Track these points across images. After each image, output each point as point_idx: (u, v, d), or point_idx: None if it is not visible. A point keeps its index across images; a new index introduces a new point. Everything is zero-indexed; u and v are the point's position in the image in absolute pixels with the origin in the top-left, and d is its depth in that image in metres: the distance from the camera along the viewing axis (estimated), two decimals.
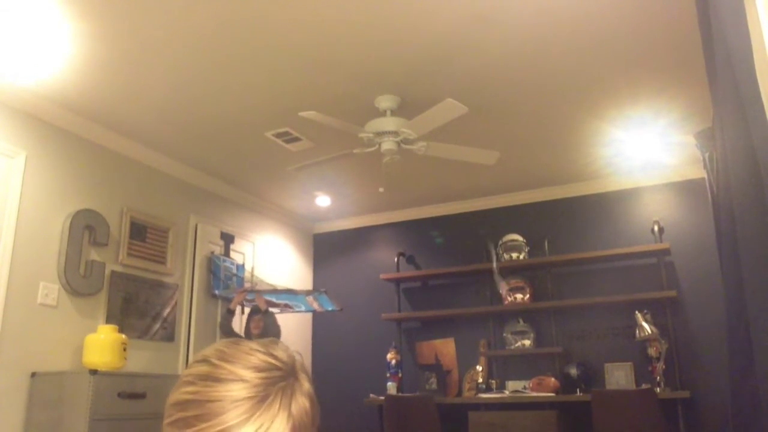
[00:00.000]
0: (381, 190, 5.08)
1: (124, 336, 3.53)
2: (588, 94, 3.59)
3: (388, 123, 3.50)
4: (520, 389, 4.69)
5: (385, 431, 4.52)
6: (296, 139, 4.12)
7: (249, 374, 0.82)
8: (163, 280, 4.29)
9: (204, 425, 0.79)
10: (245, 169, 4.70)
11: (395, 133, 3.49)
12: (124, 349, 3.49)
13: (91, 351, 3.42)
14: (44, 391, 3.31)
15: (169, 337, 4.26)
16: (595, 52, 3.16)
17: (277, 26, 2.90)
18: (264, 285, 4.76)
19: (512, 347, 4.90)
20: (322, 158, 3.89)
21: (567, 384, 4.57)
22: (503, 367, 4.96)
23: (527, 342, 4.87)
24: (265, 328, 4.20)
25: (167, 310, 4.28)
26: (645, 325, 4.37)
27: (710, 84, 1.79)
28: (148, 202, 4.27)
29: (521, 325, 4.92)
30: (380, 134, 3.52)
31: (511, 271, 5.07)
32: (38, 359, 3.41)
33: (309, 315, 5.65)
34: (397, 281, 5.50)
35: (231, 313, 4.31)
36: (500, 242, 5.10)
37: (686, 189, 4.69)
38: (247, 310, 4.57)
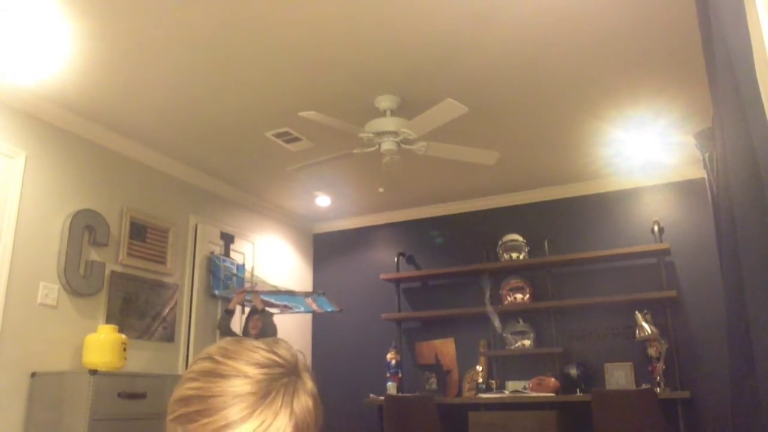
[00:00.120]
0: (381, 190, 5.07)
1: (124, 336, 3.53)
2: (588, 94, 3.59)
3: (388, 123, 3.50)
4: (520, 389, 4.69)
5: (385, 431, 4.52)
6: (296, 139, 4.12)
7: (252, 370, 0.82)
8: (163, 280, 4.29)
9: (206, 420, 0.79)
10: (245, 169, 4.70)
11: (395, 133, 3.49)
12: (124, 349, 3.49)
13: (91, 351, 3.42)
14: (44, 391, 3.31)
15: (169, 337, 4.26)
16: (595, 52, 3.16)
17: (277, 26, 2.90)
18: (263, 286, 4.76)
19: (512, 347, 4.90)
20: (322, 158, 3.89)
21: (567, 384, 4.57)
22: (503, 367, 4.96)
23: (527, 342, 4.87)
24: (263, 328, 4.20)
25: (167, 310, 4.28)
26: (645, 325, 4.37)
27: (710, 84, 1.79)
28: (148, 202, 4.27)
29: (521, 325, 4.92)
30: (380, 134, 3.52)
31: (511, 271, 5.07)
32: (38, 359, 3.41)
33: (309, 315, 5.65)
34: (397, 281, 5.50)
35: (230, 313, 4.31)
36: (500, 242, 5.10)
37: (686, 189, 4.69)
38: (247, 310, 4.57)
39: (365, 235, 5.86)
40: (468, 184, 5.07)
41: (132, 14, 2.79)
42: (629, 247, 4.67)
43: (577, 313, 4.83)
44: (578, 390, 4.48)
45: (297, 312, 4.92)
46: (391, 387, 4.99)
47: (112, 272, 3.90)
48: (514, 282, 4.99)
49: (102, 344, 3.44)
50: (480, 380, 4.80)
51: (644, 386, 4.21)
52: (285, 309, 4.74)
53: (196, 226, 4.68)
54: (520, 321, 4.93)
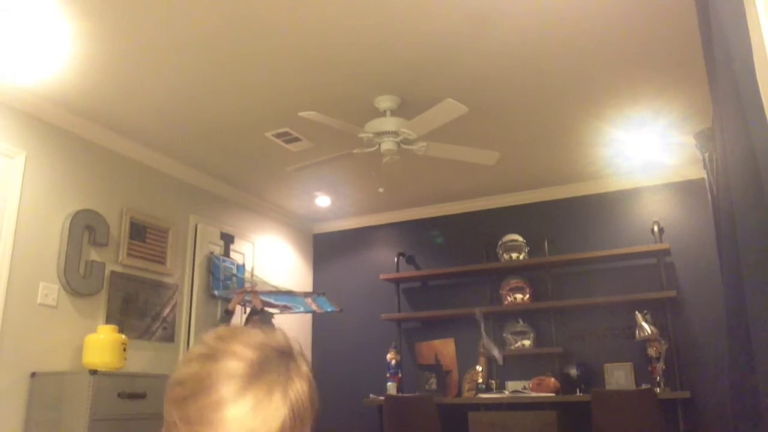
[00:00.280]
0: (381, 190, 5.08)
1: (123, 336, 3.53)
2: (588, 94, 3.59)
3: (388, 123, 3.50)
4: (520, 389, 4.69)
5: (384, 431, 4.52)
6: (296, 140, 4.12)
7: (246, 351, 0.84)
8: (163, 280, 4.29)
9: (201, 399, 0.81)
10: (245, 169, 4.70)
11: (395, 134, 3.49)
12: (124, 350, 3.49)
13: (91, 351, 3.42)
14: (44, 391, 3.31)
15: (169, 337, 4.26)
16: (595, 52, 3.16)
17: (277, 26, 2.90)
18: (263, 286, 4.76)
19: (512, 347, 4.90)
20: (322, 158, 3.89)
21: (567, 384, 4.56)
22: (503, 367, 4.96)
23: (527, 342, 4.87)
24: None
25: (167, 311, 4.28)
26: (645, 325, 4.37)
27: (710, 84, 1.79)
28: (148, 202, 4.27)
29: (521, 325, 4.92)
30: (380, 134, 3.52)
31: (511, 271, 5.07)
32: (38, 359, 3.41)
33: (309, 315, 5.65)
34: (397, 281, 5.50)
35: (229, 313, 4.31)
36: (500, 242, 5.10)
37: (686, 189, 4.69)
38: (247, 310, 4.57)
39: (365, 235, 5.86)
40: (468, 184, 5.07)
41: (132, 14, 2.79)
42: (629, 247, 4.68)
43: (577, 314, 4.83)
44: (578, 390, 4.48)
45: (297, 312, 4.92)
46: (391, 387, 4.99)
47: (112, 272, 3.90)
48: (514, 282, 4.99)
49: (102, 344, 3.44)
50: (480, 380, 4.80)
51: (644, 386, 4.21)
52: (285, 309, 4.74)
53: (196, 226, 4.68)
54: (520, 321, 4.93)
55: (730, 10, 1.39)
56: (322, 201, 5.41)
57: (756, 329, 1.33)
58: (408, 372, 5.26)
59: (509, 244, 5.06)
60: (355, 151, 3.67)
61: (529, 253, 5.04)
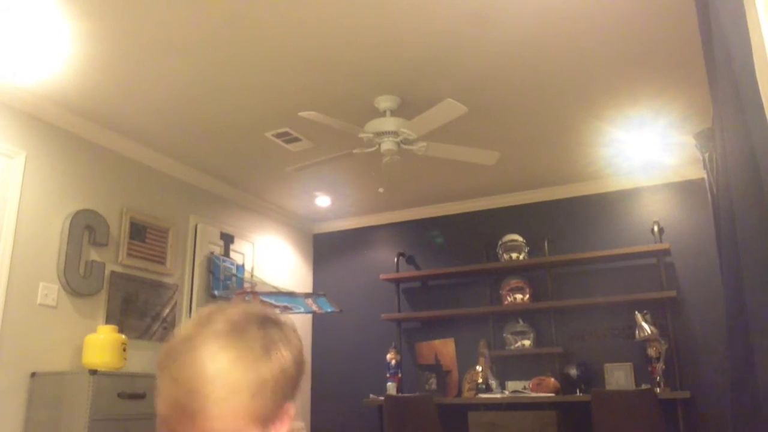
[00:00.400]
0: (381, 190, 5.08)
1: (123, 336, 3.53)
2: (588, 94, 3.59)
3: (388, 123, 3.50)
4: (520, 389, 4.69)
5: (384, 431, 4.52)
6: (296, 140, 4.12)
7: (231, 315, 0.87)
8: (163, 280, 4.29)
9: (185, 355, 0.85)
10: (245, 169, 4.70)
11: (395, 134, 3.49)
12: (124, 350, 3.49)
13: (90, 351, 3.42)
14: (44, 391, 3.31)
15: (169, 337, 4.26)
16: (594, 52, 3.16)
17: (277, 26, 2.90)
18: (263, 286, 4.77)
19: (512, 347, 4.90)
20: (321, 158, 3.89)
21: (567, 384, 4.56)
22: (503, 367, 4.96)
23: (527, 342, 4.87)
24: None
25: (167, 311, 4.28)
26: (645, 325, 4.37)
27: (710, 84, 1.79)
28: (148, 202, 4.27)
29: (521, 325, 4.92)
30: (380, 134, 3.52)
31: (510, 271, 5.07)
32: (38, 359, 3.41)
33: (309, 315, 5.65)
34: (397, 281, 5.50)
35: None
36: (500, 242, 5.10)
37: (686, 189, 4.69)
38: None
39: (365, 235, 5.86)
40: (468, 184, 5.07)
41: (132, 14, 2.79)
42: (629, 247, 4.68)
43: (577, 314, 4.83)
44: (578, 390, 4.48)
45: (297, 313, 4.91)
46: (391, 387, 4.99)
47: (112, 272, 3.90)
48: (514, 282, 4.99)
49: (102, 344, 3.44)
50: (480, 380, 4.80)
51: (644, 386, 4.21)
52: (285, 310, 4.74)
53: (196, 226, 4.68)
54: (520, 321, 4.93)
55: (730, 10, 1.39)
56: (322, 201, 5.41)
57: (756, 329, 1.33)
58: (408, 372, 5.26)
59: (509, 244, 5.06)
60: (355, 151, 3.67)
61: (529, 253, 5.04)
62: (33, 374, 3.36)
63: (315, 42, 3.02)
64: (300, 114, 3.41)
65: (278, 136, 4.07)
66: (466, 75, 3.36)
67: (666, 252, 4.61)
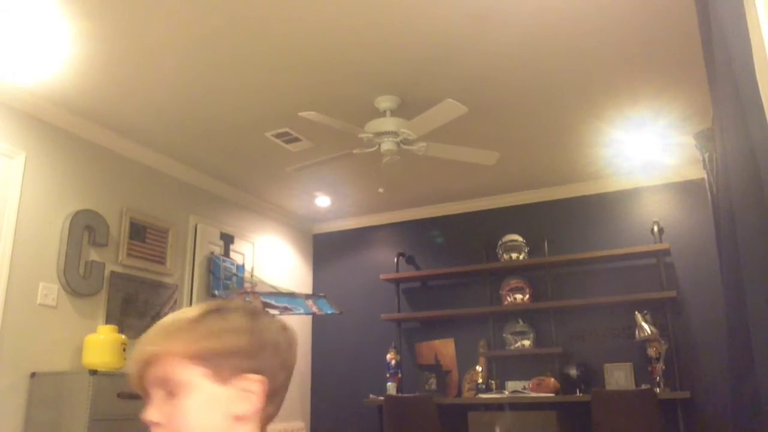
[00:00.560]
0: (381, 190, 5.08)
1: (123, 336, 3.53)
2: (588, 94, 3.60)
3: (388, 123, 3.50)
4: (519, 390, 4.69)
5: (384, 431, 4.52)
6: (296, 140, 4.12)
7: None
8: (163, 280, 4.29)
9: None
10: (245, 169, 4.70)
11: (395, 134, 3.49)
12: (124, 350, 3.49)
13: (90, 351, 3.42)
14: (44, 391, 3.31)
15: None
16: (594, 52, 3.16)
17: (277, 26, 2.90)
18: (263, 286, 4.77)
19: (512, 348, 4.90)
20: (321, 158, 3.89)
21: (567, 384, 4.56)
22: (503, 367, 4.96)
23: (527, 342, 4.87)
24: None
25: (167, 311, 4.28)
26: (645, 325, 4.37)
27: (710, 84, 1.79)
28: (147, 203, 4.27)
29: (521, 325, 4.92)
30: (380, 134, 3.52)
31: (510, 271, 5.07)
32: (38, 359, 3.41)
33: (309, 316, 5.65)
34: (397, 281, 5.50)
35: None
36: (500, 242, 5.10)
37: (686, 189, 4.69)
38: None
39: (365, 235, 5.86)
40: (468, 184, 5.07)
41: (132, 14, 2.79)
42: (629, 247, 4.68)
43: (577, 314, 4.83)
44: (578, 390, 4.48)
45: (297, 313, 4.92)
46: (391, 387, 4.99)
47: (112, 272, 3.90)
48: (513, 282, 4.99)
49: (102, 344, 3.44)
50: (480, 380, 4.80)
51: (644, 386, 4.21)
52: (285, 310, 4.73)
53: (196, 226, 4.68)
54: (520, 321, 4.93)
55: (730, 10, 1.39)
56: (322, 201, 5.41)
57: (756, 329, 1.33)
58: (408, 372, 5.26)
59: (509, 244, 5.06)
60: (355, 151, 3.67)
61: (529, 253, 5.04)
62: (33, 374, 3.36)
63: (315, 42, 3.03)
64: (300, 114, 3.41)
65: (278, 136, 4.07)
66: (466, 75, 3.36)
67: (666, 252, 4.61)
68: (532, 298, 4.93)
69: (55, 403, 3.24)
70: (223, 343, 0.92)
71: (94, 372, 3.22)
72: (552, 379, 4.56)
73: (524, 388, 4.68)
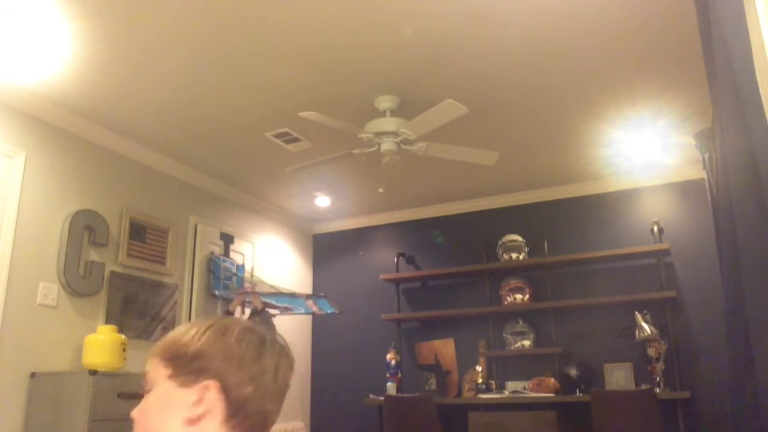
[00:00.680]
0: (381, 190, 5.09)
1: (123, 336, 3.53)
2: (588, 94, 3.60)
3: (388, 123, 3.50)
4: (519, 390, 4.69)
5: (384, 431, 4.52)
6: (296, 140, 4.12)
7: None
8: (163, 280, 4.29)
9: None
10: (245, 169, 4.70)
11: (395, 134, 3.49)
12: (124, 350, 3.49)
13: (90, 351, 3.42)
14: (44, 391, 3.31)
15: None
16: (594, 53, 3.16)
17: (277, 26, 2.90)
18: (263, 286, 4.77)
19: (512, 348, 4.90)
20: (321, 158, 3.89)
21: (567, 384, 4.57)
22: (503, 367, 4.96)
23: (527, 342, 4.87)
24: None
25: (167, 311, 4.28)
26: (644, 325, 4.37)
27: (710, 84, 1.79)
28: (147, 203, 4.27)
29: (521, 325, 4.92)
30: (380, 135, 3.52)
31: (510, 271, 5.07)
32: (38, 359, 3.41)
33: (309, 315, 5.65)
34: (397, 282, 5.50)
35: (230, 314, 4.31)
36: (500, 242, 5.10)
37: (686, 189, 4.69)
38: (247, 311, 4.57)
39: (365, 235, 5.86)
40: (468, 184, 5.07)
41: (132, 14, 2.79)
42: (629, 247, 4.68)
43: (577, 314, 4.83)
44: (578, 390, 4.48)
45: (297, 313, 4.92)
46: (391, 387, 4.99)
47: (112, 272, 3.90)
48: (513, 282, 4.99)
49: (102, 344, 3.44)
50: (480, 381, 4.80)
51: (644, 386, 4.21)
52: (285, 310, 4.75)
53: (196, 226, 4.68)
54: (520, 321, 4.93)
55: (730, 11, 1.39)
56: (322, 201, 5.41)
57: (756, 329, 1.33)
58: (408, 372, 5.26)
59: (509, 244, 5.06)
60: (355, 151, 3.67)
61: (529, 254, 5.04)
62: (33, 374, 3.36)
63: (315, 42, 3.02)
64: (300, 114, 3.41)
65: (278, 136, 4.07)
66: (466, 75, 3.36)
67: (666, 252, 4.61)
68: (532, 298, 4.93)
69: (55, 404, 3.24)
70: (187, 347, 0.96)
71: (94, 372, 3.22)
72: (552, 379, 4.56)
73: (524, 388, 4.68)
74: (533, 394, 4.50)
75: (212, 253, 4.77)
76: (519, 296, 4.95)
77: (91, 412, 3.13)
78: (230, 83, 3.42)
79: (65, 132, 3.76)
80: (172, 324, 4.29)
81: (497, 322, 5.07)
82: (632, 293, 4.56)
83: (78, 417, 3.12)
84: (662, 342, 4.36)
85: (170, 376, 0.96)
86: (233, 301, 4.44)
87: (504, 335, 4.96)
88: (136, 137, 4.10)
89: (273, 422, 1.00)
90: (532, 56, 3.19)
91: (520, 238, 5.06)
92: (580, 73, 3.37)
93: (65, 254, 3.60)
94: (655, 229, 4.65)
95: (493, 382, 4.88)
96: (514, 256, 5.03)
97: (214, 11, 2.77)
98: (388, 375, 5.07)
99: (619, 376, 4.56)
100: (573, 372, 4.55)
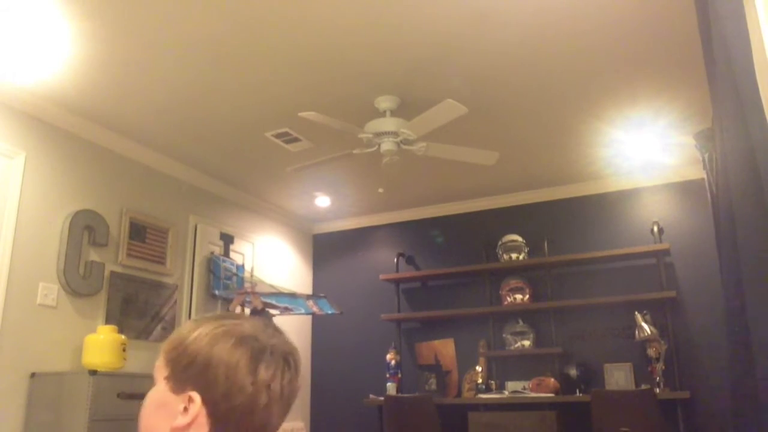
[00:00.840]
0: (380, 190, 5.09)
1: (123, 336, 3.53)
2: (588, 94, 3.60)
3: (388, 123, 3.50)
4: (519, 390, 4.69)
5: (384, 431, 4.52)
6: (296, 140, 4.12)
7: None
8: (163, 280, 4.29)
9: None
10: (245, 169, 4.70)
11: (395, 134, 3.49)
12: (124, 350, 3.49)
13: (90, 351, 3.42)
14: (44, 391, 3.31)
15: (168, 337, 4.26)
16: (594, 53, 3.16)
17: (277, 26, 2.90)
18: (263, 286, 4.77)
19: (512, 348, 4.90)
20: (321, 159, 3.89)
21: (566, 384, 4.57)
22: (503, 367, 4.96)
23: (527, 342, 4.86)
24: None
25: (166, 311, 4.28)
26: (644, 325, 4.37)
27: (710, 84, 1.79)
28: (147, 203, 4.27)
29: (521, 325, 4.92)
30: (380, 135, 3.52)
31: (510, 271, 5.07)
32: (38, 359, 3.41)
33: (309, 316, 5.65)
34: (397, 282, 5.50)
35: None
36: (500, 243, 5.10)
37: (686, 189, 4.69)
38: (247, 311, 4.57)
39: (365, 235, 5.86)
40: (468, 184, 5.07)
41: (132, 14, 2.79)
42: (629, 247, 4.68)
43: (577, 314, 4.83)
44: (578, 390, 4.48)
45: (297, 313, 4.92)
46: (391, 387, 4.99)
47: (112, 272, 3.90)
48: (513, 282, 4.99)
49: (101, 344, 3.44)
50: (479, 381, 4.80)
51: (644, 387, 4.21)
52: (285, 311, 4.74)
53: (196, 226, 4.68)
54: (520, 321, 4.93)
55: (730, 10, 1.39)
56: (322, 201, 5.41)
57: (756, 329, 1.33)
58: (408, 372, 5.26)
59: (509, 244, 5.06)
60: (355, 151, 3.67)
61: (529, 254, 5.04)
62: (33, 374, 3.36)
63: (315, 42, 3.03)
64: (300, 114, 3.41)
65: (278, 136, 4.07)
66: (466, 75, 3.36)
67: (666, 252, 4.61)
68: (532, 298, 4.93)
69: (55, 404, 3.24)
70: (186, 350, 0.94)
71: (94, 372, 3.22)
72: (552, 379, 4.56)
73: (524, 388, 4.68)
74: (533, 394, 4.50)
75: (212, 253, 4.77)
76: (519, 296, 4.95)
77: (91, 412, 3.13)
78: (230, 83, 3.42)
79: (65, 132, 3.76)
80: (171, 324, 4.30)
81: (497, 322, 5.07)
82: (632, 293, 4.56)
83: (78, 417, 3.12)
84: (662, 342, 4.36)
85: (166, 378, 0.95)
86: (233, 301, 4.44)
87: (504, 335, 4.96)
88: (136, 137, 4.10)
89: (274, 429, 0.97)
90: (532, 56, 3.19)
91: (520, 238, 5.06)
92: (580, 73, 3.37)
93: (65, 254, 3.60)
94: (655, 229, 4.65)
95: (493, 382, 4.88)
96: (514, 256, 5.03)
97: (214, 12, 2.77)
98: (388, 375, 5.07)
99: (619, 376, 4.56)
100: (573, 372, 4.55)
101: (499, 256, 5.09)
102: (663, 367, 4.31)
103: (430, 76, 3.36)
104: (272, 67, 3.26)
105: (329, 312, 4.78)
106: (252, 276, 5.08)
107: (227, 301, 4.64)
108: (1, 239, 3.32)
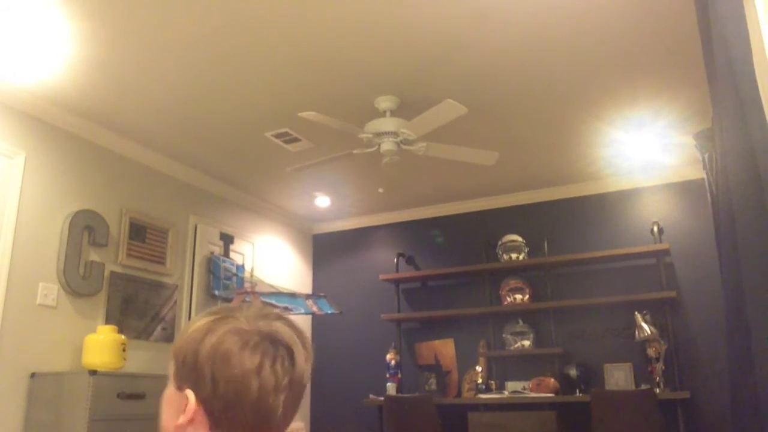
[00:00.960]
0: (380, 190, 5.09)
1: (123, 336, 3.53)
2: (588, 94, 3.60)
3: (388, 123, 3.50)
4: (519, 390, 4.69)
5: (384, 431, 4.52)
6: (296, 140, 4.12)
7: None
8: (163, 280, 4.29)
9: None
10: (245, 169, 4.70)
11: (395, 134, 3.49)
12: (124, 350, 3.49)
13: (90, 351, 3.42)
14: (44, 391, 3.31)
15: (169, 337, 4.26)
16: (594, 53, 3.16)
17: (277, 26, 2.90)
18: (265, 287, 4.77)
19: (512, 348, 4.90)
20: (321, 159, 3.89)
21: (566, 385, 4.57)
22: (503, 367, 4.96)
23: (527, 343, 4.86)
24: None
25: (166, 311, 4.28)
26: (644, 325, 4.37)
27: (710, 84, 1.79)
28: (147, 203, 4.27)
29: (521, 325, 4.92)
30: (380, 135, 3.52)
31: (510, 271, 5.07)
32: (38, 359, 3.41)
33: (309, 316, 5.65)
34: (397, 282, 5.50)
35: None
36: (500, 243, 5.10)
37: (686, 189, 4.69)
38: None
39: (365, 235, 5.86)
40: (468, 184, 5.07)
41: (132, 14, 2.79)
42: (629, 247, 4.68)
43: (577, 314, 4.83)
44: (578, 390, 4.48)
45: (297, 313, 4.92)
46: (391, 387, 4.99)
47: (112, 273, 3.90)
48: (513, 283, 4.99)
49: (101, 345, 3.44)
50: (479, 381, 4.80)
51: (644, 387, 4.21)
52: (285, 310, 4.74)
53: (196, 226, 4.68)
54: (520, 321, 4.93)
55: (730, 10, 1.39)
56: (322, 201, 5.41)
57: (756, 329, 1.33)
58: (408, 372, 5.26)
59: (509, 244, 5.06)
60: (355, 151, 3.67)
61: (529, 254, 5.04)
62: (33, 374, 3.36)
63: (315, 42, 3.03)
64: (300, 114, 3.41)
65: (278, 136, 4.07)
66: (466, 75, 3.36)
67: (666, 252, 4.61)
68: (532, 298, 4.93)
69: (54, 404, 3.24)
70: (187, 346, 0.93)
71: (93, 372, 3.22)
72: (552, 380, 4.56)
73: (524, 388, 4.68)
74: (533, 395, 4.50)
75: (212, 253, 4.77)
76: (519, 296, 4.95)
77: (91, 412, 3.13)
78: (230, 83, 3.42)
79: (65, 132, 3.76)
80: (171, 324, 4.30)
81: (497, 322, 5.07)
82: (632, 293, 4.56)
83: (78, 417, 3.12)
84: (662, 342, 4.36)
85: (173, 375, 0.94)
86: (233, 301, 4.44)
87: (504, 335, 4.96)
88: (136, 137, 4.10)
89: (283, 421, 0.95)
90: (532, 56, 3.19)
91: (519, 239, 5.06)
92: (580, 73, 3.37)
93: (65, 254, 3.60)
94: (655, 229, 4.65)
95: (492, 382, 4.88)
96: (513, 256, 5.03)
97: (214, 11, 2.77)
98: (388, 375, 5.07)
99: (619, 377, 4.56)
100: (573, 372, 4.55)
101: (499, 256, 5.09)
102: (663, 367, 4.31)
103: (430, 76, 3.36)
104: (272, 67, 3.26)
105: (329, 312, 4.78)
106: (252, 276, 5.08)
107: (227, 301, 4.64)
108: (1, 239, 3.32)
